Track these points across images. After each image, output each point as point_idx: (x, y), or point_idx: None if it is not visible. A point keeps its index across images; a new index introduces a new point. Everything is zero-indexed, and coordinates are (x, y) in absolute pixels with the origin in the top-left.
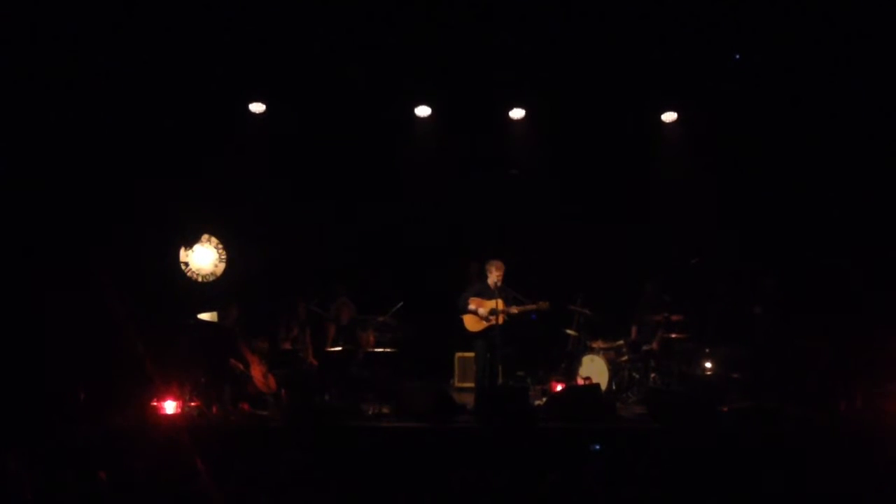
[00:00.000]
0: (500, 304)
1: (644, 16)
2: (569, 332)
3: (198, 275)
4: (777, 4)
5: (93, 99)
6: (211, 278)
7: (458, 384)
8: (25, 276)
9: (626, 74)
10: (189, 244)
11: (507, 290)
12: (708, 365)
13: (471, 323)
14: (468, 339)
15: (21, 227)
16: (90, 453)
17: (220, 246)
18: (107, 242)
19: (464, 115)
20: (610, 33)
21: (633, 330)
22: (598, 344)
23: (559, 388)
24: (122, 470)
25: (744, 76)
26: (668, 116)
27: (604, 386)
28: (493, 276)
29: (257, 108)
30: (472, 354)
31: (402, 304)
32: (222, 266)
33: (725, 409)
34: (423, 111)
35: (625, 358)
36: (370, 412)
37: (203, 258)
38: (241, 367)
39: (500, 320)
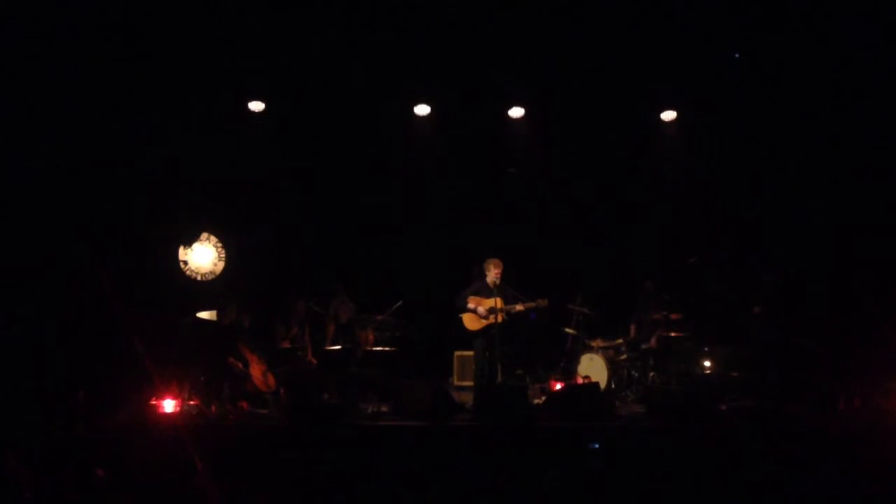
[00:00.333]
0: (498, 302)
1: (643, 15)
2: (568, 330)
3: (197, 273)
4: (777, 3)
5: (92, 98)
6: (210, 277)
7: (457, 383)
8: (25, 275)
9: (625, 74)
10: (188, 243)
11: (505, 289)
12: (707, 364)
13: (470, 321)
14: (467, 338)
15: (21, 227)
16: (89, 452)
17: (220, 244)
18: (106, 241)
19: (463, 114)
20: (609, 32)
21: (632, 329)
22: (597, 343)
23: (558, 386)
24: (121, 468)
25: (743, 75)
26: (668, 115)
27: (603, 385)
28: (492, 275)
29: (257, 106)
30: (471, 353)
31: (401, 302)
32: (221, 265)
33: (724, 407)
34: (422, 110)
35: (624, 357)
36: (369, 411)
37: (202, 257)
38: (240, 365)
39: (500, 319)
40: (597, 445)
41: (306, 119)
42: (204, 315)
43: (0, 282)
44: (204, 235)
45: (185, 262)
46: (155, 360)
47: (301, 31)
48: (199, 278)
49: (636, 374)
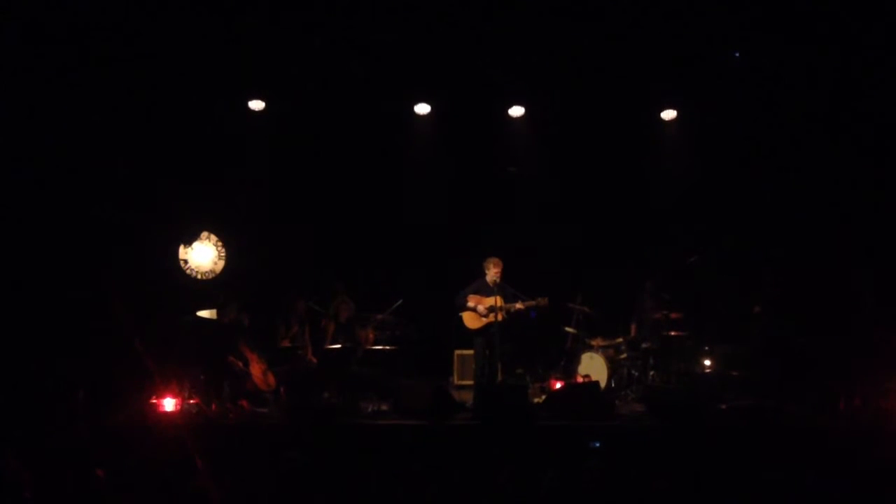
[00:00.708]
0: (499, 301)
1: (643, 13)
2: (568, 329)
3: (197, 272)
4: (777, 1)
5: (92, 97)
6: (210, 276)
7: (457, 382)
8: (24, 274)
9: (625, 72)
10: (188, 242)
11: (505, 288)
12: (707, 363)
13: (470, 320)
14: (467, 337)
15: (21, 226)
16: (89, 451)
17: (220, 243)
18: (106, 240)
19: (463, 113)
20: (609, 31)
21: (633, 328)
22: (597, 342)
23: (558, 385)
24: (121, 467)
25: (743, 74)
26: (668, 114)
27: (603, 384)
28: (492, 274)
29: (256, 105)
30: (471, 352)
31: (401, 301)
32: (221, 263)
33: (724, 406)
34: (422, 108)
35: (624, 356)
36: (369, 410)
37: (202, 256)
38: (240, 364)
39: (500, 318)
40: (597, 444)
41: (306, 118)
42: (204, 314)
43: (0, 281)
44: (204, 234)
45: (186, 261)
46: (155, 359)
47: (301, 30)
48: (199, 277)
49: (636, 373)
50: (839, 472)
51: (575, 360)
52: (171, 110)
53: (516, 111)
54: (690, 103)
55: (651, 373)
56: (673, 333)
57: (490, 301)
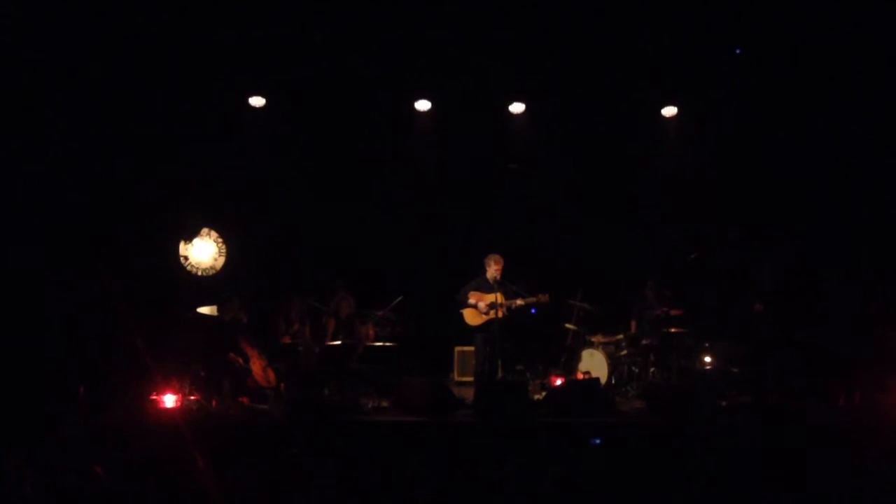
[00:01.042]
0: (499, 297)
1: (644, 10)
2: (568, 326)
3: (197, 269)
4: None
5: (92, 94)
6: (210, 272)
7: (457, 378)
8: (25, 270)
9: (626, 69)
10: (189, 238)
11: (506, 284)
12: (707, 359)
13: (470, 317)
14: (468, 334)
15: (21, 222)
16: (89, 448)
17: (220, 240)
18: (107, 236)
19: (464, 110)
20: (610, 28)
21: (633, 324)
22: (597, 338)
23: (558, 382)
24: (122, 463)
25: (744, 71)
26: (668, 111)
27: (603, 380)
28: (492, 271)
29: (257, 101)
30: (471, 349)
31: (401, 298)
32: (222, 260)
33: (724, 403)
34: (423, 105)
35: (624, 352)
36: (369, 406)
37: (203, 252)
38: (240, 361)
39: (500, 314)
40: (597, 441)
41: (307, 114)
42: (204, 310)
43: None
44: (204, 231)
45: (186, 258)
46: (155, 356)
47: (302, 26)
48: (199, 273)
49: (636, 370)
50: (838, 468)
51: (575, 357)
52: (173, 106)
53: (517, 108)
54: (691, 100)
55: (651, 369)
56: (673, 330)
57: (491, 298)
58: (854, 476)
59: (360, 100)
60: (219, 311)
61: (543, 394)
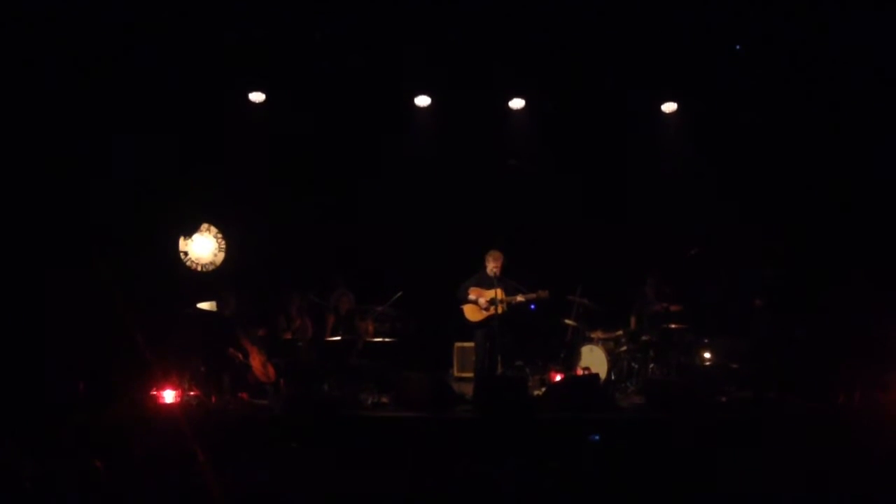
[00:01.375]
0: (499, 293)
1: (645, 6)
2: (568, 322)
3: (197, 264)
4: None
5: (92, 90)
6: (210, 268)
7: (457, 374)
8: (25, 266)
9: (626, 65)
10: (188, 233)
11: (506, 280)
12: (707, 355)
13: (470, 313)
14: (468, 329)
15: (21, 218)
16: (90, 442)
17: (220, 235)
18: (106, 232)
19: (464, 105)
20: (610, 23)
21: (633, 320)
22: (597, 334)
23: (558, 378)
24: (122, 458)
25: (744, 67)
26: (668, 107)
27: (603, 376)
28: (492, 266)
29: (257, 97)
30: (471, 344)
31: (401, 293)
32: (221, 255)
33: (724, 399)
34: (422, 101)
35: (624, 348)
36: (369, 402)
37: (202, 247)
38: (240, 356)
39: (500, 310)
40: (597, 437)
41: (307, 110)
42: (204, 306)
43: (0, 272)
44: (204, 226)
45: (186, 253)
46: (155, 351)
47: (302, 22)
48: (199, 269)
49: (636, 366)
50: (838, 465)
51: (575, 353)
52: (173, 102)
53: (517, 103)
54: (691, 96)
55: (651, 365)
56: (673, 326)
57: (491, 294)
58: (853, 474)
59: (360, 94)
60: (218, 306)
61: (543, 389)
